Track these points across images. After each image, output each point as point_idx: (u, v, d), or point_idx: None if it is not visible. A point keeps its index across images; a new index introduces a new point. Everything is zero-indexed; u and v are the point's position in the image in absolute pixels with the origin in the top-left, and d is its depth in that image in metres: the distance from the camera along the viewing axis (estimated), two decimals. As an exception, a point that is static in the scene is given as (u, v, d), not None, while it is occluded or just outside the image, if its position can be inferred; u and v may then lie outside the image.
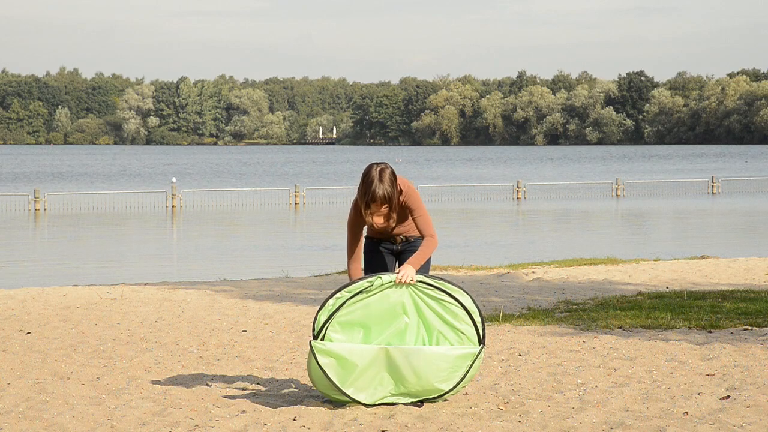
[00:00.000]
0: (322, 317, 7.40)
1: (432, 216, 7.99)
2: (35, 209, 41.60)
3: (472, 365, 7.40)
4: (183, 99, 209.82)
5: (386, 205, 7.44)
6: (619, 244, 26.33)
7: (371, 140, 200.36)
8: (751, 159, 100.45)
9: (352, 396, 7.33)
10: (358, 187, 7.52)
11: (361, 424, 6.92)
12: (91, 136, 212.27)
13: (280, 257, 24.21)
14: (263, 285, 15.49)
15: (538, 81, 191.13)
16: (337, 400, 7.42)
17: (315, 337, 7.39)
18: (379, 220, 7.55)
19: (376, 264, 7.79)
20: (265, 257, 24.41)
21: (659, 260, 18.77)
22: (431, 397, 7.42)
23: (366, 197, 7.42)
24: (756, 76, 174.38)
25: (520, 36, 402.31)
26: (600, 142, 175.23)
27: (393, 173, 7.48)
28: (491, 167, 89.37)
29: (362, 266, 7.74)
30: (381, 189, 7.40)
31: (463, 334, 7.44)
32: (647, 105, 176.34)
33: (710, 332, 10.30)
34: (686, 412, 7.10)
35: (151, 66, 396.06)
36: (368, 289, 7.42)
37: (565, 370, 8.60)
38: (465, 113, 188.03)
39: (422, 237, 7.66)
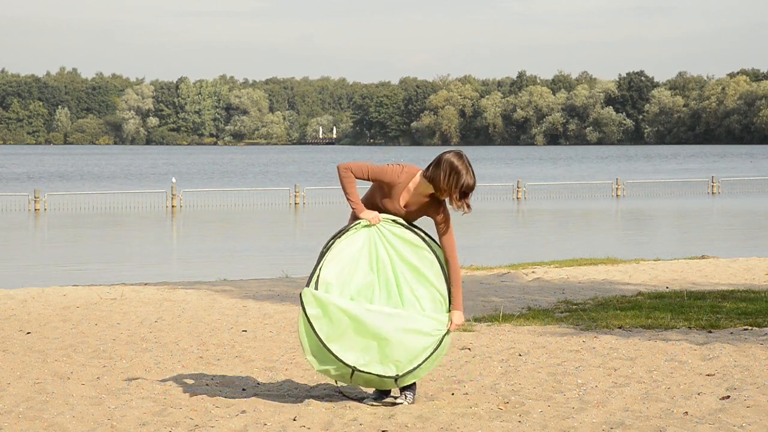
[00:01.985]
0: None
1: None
2: (35, 209, 41.61)
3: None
4: (182, 99, 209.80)
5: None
6: (619, 244, 26.33)
7: (371, 140, 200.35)
8: (753, 159, 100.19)
9: (337, 355, 7.23)
10: (433, 172, 7.34)
11: (361, 424, 6.92)
12: (91, 136, 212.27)
13: (280, 257, 24.21)
14: (263, 285, 15.49)
15: (538, 81, 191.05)
16: (322, 370, 7.32)
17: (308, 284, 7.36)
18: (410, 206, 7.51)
19: None
20: (265, 257, 24.41)
21: (659, 260, 18.77)
22: (411, 368, 7.30)
23: (460, 186, 7.32)
24: (756, 76, 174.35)
25: (520, 36, 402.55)
26: (600, 142, 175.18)
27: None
28: (491, 167, 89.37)
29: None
30: (473, 178, 7.38)
31: (437, 291, 7.41)
32: (647, 105, 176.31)
33: (710, 332, 10.30)
34: (686, 412, 7.10)
35: (151, 66, 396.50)
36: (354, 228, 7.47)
37: (565, 370, 8.60)
38: (465, 113, 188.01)
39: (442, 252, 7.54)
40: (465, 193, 7.38)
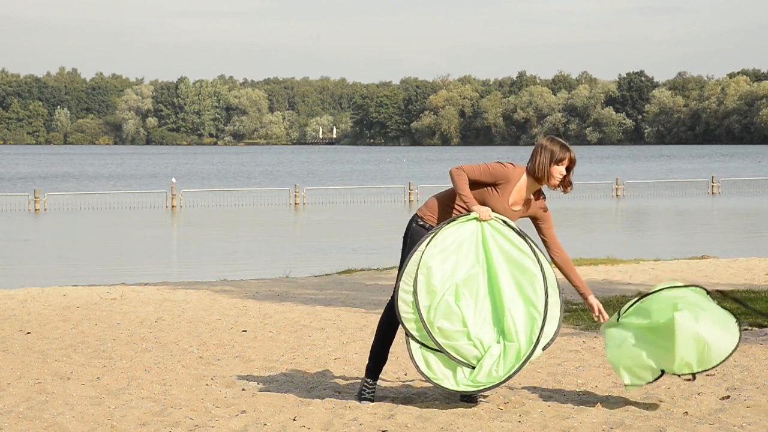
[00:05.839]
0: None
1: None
2: (35, 209, 41.62)
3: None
4: (182, 99, 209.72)
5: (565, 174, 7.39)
6: (619, 244, 26.32)
7: (371, 140, 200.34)
8: (762, 159, 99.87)
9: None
10: (530, 161, 7.37)
11: (361, 424, 6.92)
12: (91, 137, 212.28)
13: (280, 257, 24.20)
14: (263, 285, 15.49)
15: (538, 81, 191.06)
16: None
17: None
18: (519, 200, 7.41)
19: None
20: (265, 257, 24.40)
21: (659, 260, 18.76)
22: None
23: (554, 160, 7.32)
24: (756, 76, 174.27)
25: (520, 36, 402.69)
26: (600, 142, 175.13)
27: None
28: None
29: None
30: (568, 151, 7.38)
31: (534, 307, 7.25)
32: (647, 105, 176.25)
33: (710, 332, 10.27)
34: (686, 412, 7.10)
35: (150, 66, 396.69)
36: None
37: (565, 370, 8.59)
38: (465, 113, 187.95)
39: (550, 254, 7.49)
40: (559, 164, 7.34)
